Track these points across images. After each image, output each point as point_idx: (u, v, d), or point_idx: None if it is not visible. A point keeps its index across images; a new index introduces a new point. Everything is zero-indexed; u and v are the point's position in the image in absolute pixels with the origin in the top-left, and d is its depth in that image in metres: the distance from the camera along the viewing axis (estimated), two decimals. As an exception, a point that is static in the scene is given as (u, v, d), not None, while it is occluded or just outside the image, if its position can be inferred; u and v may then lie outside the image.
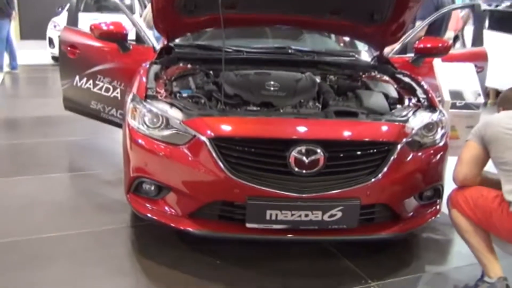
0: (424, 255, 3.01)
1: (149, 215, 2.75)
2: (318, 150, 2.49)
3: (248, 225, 2.55)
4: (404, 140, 2.66)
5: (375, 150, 2.60)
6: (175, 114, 2.66)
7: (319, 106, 2.99)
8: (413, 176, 2.73)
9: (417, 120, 2.82)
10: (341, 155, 2.56)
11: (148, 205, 2.76)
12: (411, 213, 2.84)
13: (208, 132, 2.53)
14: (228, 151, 2.52)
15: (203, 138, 2.53)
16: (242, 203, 2.53)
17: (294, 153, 2.48)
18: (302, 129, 2.59)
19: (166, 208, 2.71)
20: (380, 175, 2.59)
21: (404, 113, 2.84)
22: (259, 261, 2.82)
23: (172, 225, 2.68)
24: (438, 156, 2.82)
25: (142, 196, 2.78)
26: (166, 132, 2.65)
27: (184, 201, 2.66)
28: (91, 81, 4.18)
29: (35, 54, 10.23)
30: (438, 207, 2.94)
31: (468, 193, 2.47)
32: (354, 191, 2.57)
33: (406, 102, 3.05)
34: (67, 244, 2.92)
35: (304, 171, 2.51)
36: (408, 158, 2.69)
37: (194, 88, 3.03)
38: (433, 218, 2.92)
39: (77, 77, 4.23)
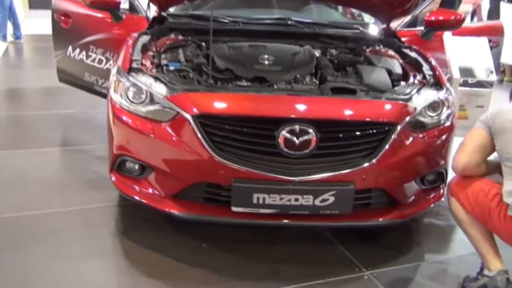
0: (424, 242, 2.84)
1: (131, 195, 2.61)
2: (310, 130, 2.31)
3: (233, 208, 2.40)
4: (406, 120, 2.46)
5: (372, 131, 2.41)
6: (159, 89, 2.49)
7: (316, 82, 2.79)
8: (414, 160, 2.54)
9: (421, 98, 2.61)
10: (335, 135, 2.37)
11: (131, 185, 2.62)
12: (412, 198, 2.66)
13: (192, 109, 2.35)
14: (213, 129, 2.35)
15: (187, 116, 2.36)
16: (227, 186, 2.37)
17: (283, 133, 2.30)
18: (293, 107, 2.40)
19: (150, 188, 2.57)
20: (377, 158, 2.40)
21: (407, 90, 2.63)
22: (247, 245, 2.68)
23: (155, 206, 2.54)
24: (443, 138, 2.62)
25: (126, 175, 2.63)
26: (150, 108, 2.48)
27: (167, 181, 2.51)
28: (84, 52, 4.02)
29: (42, 23, 9.98)
30: (441, 191, 2.76)
31: (469, 186, 2.27)
32: (348, 175, 2.39)
33: (411, 79, 2.84)
34: (51, 223, 2.81)
35: (294, 153, 2.33)
36: (409, 140, 2.50)
37: (184, 61, 2.85)
38: (435, 203, 2.74)
39: (70, 48, 4.07)
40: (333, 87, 2.59)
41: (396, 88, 2.72)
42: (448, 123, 2.64)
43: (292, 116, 2.33)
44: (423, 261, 2.66)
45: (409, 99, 2.55)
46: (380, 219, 2.55)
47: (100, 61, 3.95)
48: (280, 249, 2.67)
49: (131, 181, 2.62)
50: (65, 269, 2.41)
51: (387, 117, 2.43)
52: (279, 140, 2.31)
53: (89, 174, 3.43)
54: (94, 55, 3.98)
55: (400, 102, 2.50)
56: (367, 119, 2.41)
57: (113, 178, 2.67)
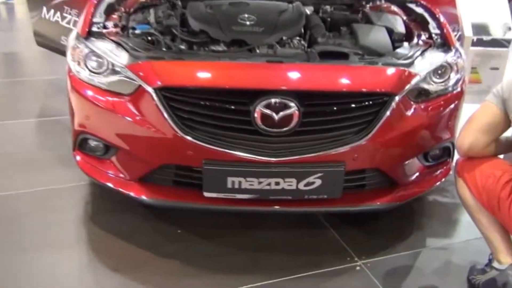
0: (426, 225, 2.53)
1: (95, 177, 2.32)
2: (291, 104, 1.97)
3: (206, 194, 2.10)
4: (405, 89, 2.11)
5: (365, 103, 2.07)
6: (120, 57, 2.16)
7: (305, 45, 2.43)
8: (416, 134, 2.20)
9: (426, 62, 2.25)
10: (321, 110, 2.03)
11: (95, 166, 2.33)
12: (414, 177, 2.34)
13: (154, 80, 2.03)
14: (179, 104, 2.03)
15: (149, 88, 2.03)
16: (198, 168, 2.07)
17: (260, 107, 1.97)
18: (270, 76, 2.05)
19: (114, 170, 2.28)
20: (371, 134, 2.07)
21: (410, 53, 2.26)
22: (226, 231, 2.40)
23: (120, 189, 2.26)
24: (450, 108, 2.28)
25: (89, 154, 2.34)
26: (111, 79, 2.16)
27: (132, 163, 2.22)
28: (58, 13, 3.69)
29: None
30: (448, 167, 2.43)
31: (477, 167, 1.93)
32: (337, 155, 2.07)
33: (415, 39, 2.46)
34: (11, 207, 2.54)
35: (273, 130, 2.01)
36: (410, 112, 2.16)
37: (154, 23, 2.50)
38: (440, 181, 2.42)
39: (44, 9, 3.75)
40: (321, 51, 2.23)
41: (397, 50, 2.35)
42: (456, 90, 2.29)
43: (269, 87, 1.99)
44: (424, 247, 2.36)
45: (411, 64, 2.19)
46: (377, 203, 2.24)
47: (75, 23, 3.59)
48: (263, 236, 2.39)
49: (95, 161, 2.33)
50: (17, 263, 2.15)
51: (383, 86, 2.08)
52: (255, 116, 1.98)
53: (62, 148, 3.11)
54: (69, 17, 3.64)
55: (400, 67, 2.14)
56: (359, 90, 2.06)
57: (78, 158, 2.38)
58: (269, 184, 2.06)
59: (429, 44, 2.38)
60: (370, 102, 2.06)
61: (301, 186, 2.07)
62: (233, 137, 2.04)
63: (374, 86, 2.07)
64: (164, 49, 2.25)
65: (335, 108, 2.04)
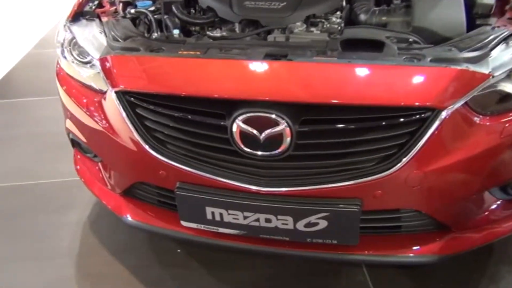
0: (501, 277, 1.82)
1: (83, 179, 2.03)
2: (280, 120, 1.42)
3: (183, 223, 1.67)
4: (462, 98, 1.42)
5: (392, 122, 1.42)
6: (94, 47, 1.77)
7: (341, 26, 1.79)
8: (483, 161, 1.50)
9: (507, 54, 1.50)
10: (325, 128, 1.44)
11: (85, 167, 2.03)
12: (481, 217, 1.65)
13: (116, 81, 1.60)
14: (147, 113, 1.58)
15: (111, 91, 1.62)
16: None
17: (238, 123, 1.45)
18: (252, 80, 1.49)
19: (101, 178, 1.95)
20: (402, 162, 1.43)
21: (486, 39, 1.52)
22: (232, 258, 1.96)
23: (102, 200, 1.93)
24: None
25: (83, 153, 2.04)
26: (91, 72, 1.79)
27: (114, 174, 1.86)
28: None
29: None
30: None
31: None
32: (350, 189, 1.47)
33: (507, 16, 1.68)
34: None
35: (258, 154, 1.48)
36: (474, 129, 1.46)
37: None
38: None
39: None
40: (348, 38, 1.59)
41: (469, 34, 1.61)
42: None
43: (248, 96, 1.44)
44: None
45: (482, 58, 1.47)
46: (414, 255, 1.60)
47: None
48: (273, 270, 1.91)
49: (87, 162, 2.03)
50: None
51: (419, 97, 1.40)
52: (234, 134, 1.47)
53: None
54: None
55: (457, 65, 1.43)
56: (379, 103, 1.40)
57: (74, 154, 2.11)
58: (257, 220, 1.56)
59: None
60: (401, 120, 1.42)
61: (300, 226, 1.53)
62: (213, 157, 1.56)
63: (404, 98, 1.40)
64: (155, 35, 1.79)
65: (345, 127, 1.43)
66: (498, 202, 1.65)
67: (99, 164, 1.94)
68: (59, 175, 2.49)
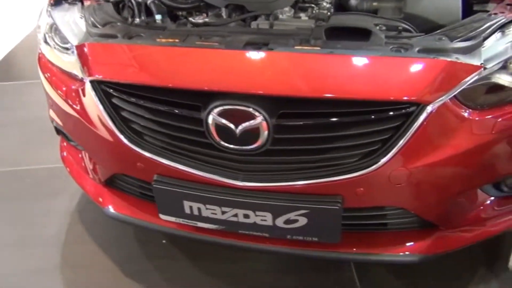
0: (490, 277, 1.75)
1: (67, 168, 1.99)
2: (256, 113, 1.35)
3: (162, 216, 1.62)
4: (450, 92, 1.33)
5: (374, 116, 1.35)
6: (76, 32, 1.71)
7: (331, 11, 1.70)
8: (473, 157, 1.42)
9: (502, 44, 1.41)
10: (304, 123, 1.37)
11: (70, 155, 2.00)
12: (472, 215, 1.57)
13: (91, 69, 1.54)
14: (123, 103, 1.52)
15: (86, 79, 1.56)
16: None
17: (213, 116, 1.38)
18: (227, 71, 1.41)
19: (84, 165, 1.91)
20: (385, 158, 1.36)
21: (480, 28, 1.43)
22: (219, 251, 1.92)
23: (84, 189, 1.89)
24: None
25: (68, 141, 2.00)
26: (72, 59, 1.73)
27: (95, 164, 1.82)
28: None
29: None
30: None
31: None
32: (330, 186, 1.41)
33: (506, 1, 1.58)
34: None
35: (234, 148, 1.42)
36: (463, 124, 1.38)
37: None
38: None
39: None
40: (331, 27, 1.51)
41: (463, 21, 1.52)
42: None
43: (223, 88, 1.37)
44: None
45: (474, 48, 1.38)
46: (399, 253, 1.54)
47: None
48: (259, 263, 1.87)
49: (73, 152, 1.99)
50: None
51: (403, 91, 1.32)
52: (209, 127, 1.40)
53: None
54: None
55: (446, 57, 1.34)
56: (360, 96, 1.32)
57: (60, 142, 2.07)
58: (235, 216, 1.51)
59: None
60: (383, 115, 1.34)
61: (279, 223, 1.48)
62: (189, 151, 1.50)
63: (387, 91, 1.32)
64: (137, 21, 1.72)
65: (325, 121, 1.36)
66: (490, 200, 1.57)
67: (82, 152, 1.90)
68: (50, 161, 2.46)
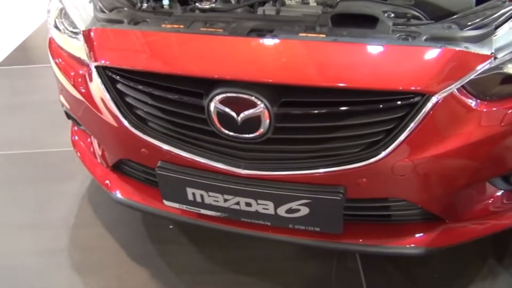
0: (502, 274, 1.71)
1: (77, 152, 2.01)
2: (258, 102, 1.34)
3: (165, 202, 1.63)
4: (457, 82, 1.29)
5: (378, 106, 1.32)
6: (84, 17, 1.71)
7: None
8: (481, 149, 1.38)
9: (514, 32, 1.37)
10: (306, 111, 1.34)
11: (80, 139, 2.02)
12: (479, 209, 1.54)
13: (96, 55, 1.54)
14: (127, 89, 1.52)
15: (91, 65, 1.57)
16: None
17: (215, 103, 1.37)
18: (228, 58, 1.39)
19: (92, 149, 1.93)
20: (388, 149, 1.33)
21: (493, 15, 1.38)
22: (226, 237, 1.92)
23: (92, 173, 1.91)
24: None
25: (78, 125, 2.02)
26: (80, 44, 1.73)
27: (102, 148, 1.83)
28: None
29: None
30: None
31: None
32: (332, 176, 1.39)
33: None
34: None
35: (235, 135, 1.41)
36: (470, 116, 1.34)
37: None
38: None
39: None
40: (338, 13, 1.47)
41: (476, 8, 1.46)
42: None
43: (224, 75, 1.36)
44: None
45: (485, 37, 1.33)
46: (403, 246, 1.51)
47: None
48: (263, 253, 1.86)
49: (83, 136, 2.01)
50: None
51: (407, 81, 1.28)
52: (211, 114, 1.39)
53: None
54: None
55: (454, 46, 1.30)
56: (364, 86, 1.29)
57: (72, 126, 2.10)
58: (237, 204, 1.50)
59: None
60: (388, 104, 1.31)
61: (281, 212, 1.47)
62: (192, 138, 1.50)
63: (391, 81, 1.29)
64: (145, 6, 1.70)
65: (328, 110, 1.33)
66: (499, 193, 1.54)
67: (91, 137, 1.92)
68: (64, 144, 2.48)
